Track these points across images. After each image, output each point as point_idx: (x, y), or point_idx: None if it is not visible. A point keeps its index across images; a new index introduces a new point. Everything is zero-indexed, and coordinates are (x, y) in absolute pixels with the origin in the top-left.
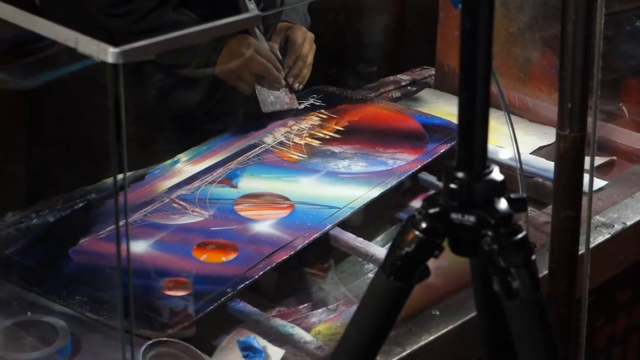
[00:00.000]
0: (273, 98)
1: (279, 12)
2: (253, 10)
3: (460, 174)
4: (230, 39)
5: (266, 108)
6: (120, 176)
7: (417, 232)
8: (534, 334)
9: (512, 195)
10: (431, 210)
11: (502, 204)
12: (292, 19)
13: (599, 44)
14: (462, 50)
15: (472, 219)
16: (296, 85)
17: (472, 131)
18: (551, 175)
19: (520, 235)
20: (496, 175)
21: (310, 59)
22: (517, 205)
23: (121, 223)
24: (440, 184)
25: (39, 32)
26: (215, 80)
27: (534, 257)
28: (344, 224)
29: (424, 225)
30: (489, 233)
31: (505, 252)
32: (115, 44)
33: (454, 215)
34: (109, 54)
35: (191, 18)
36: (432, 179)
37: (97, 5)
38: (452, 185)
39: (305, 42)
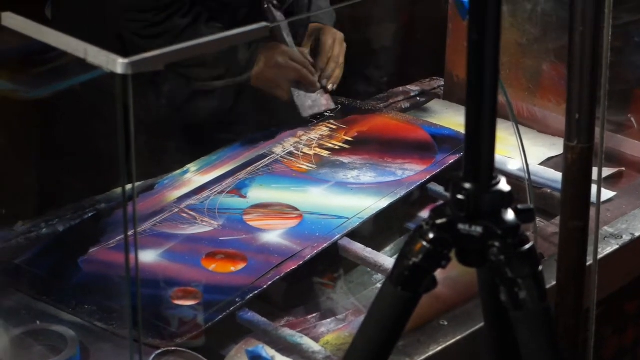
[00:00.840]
0: (310, 102)
1: (307, 16)
2: (280, 18)
3: (467, 185)
4: (263, 49)
5: (305, 112)
6: (129, 186)
7: (424, 243)
8: (541, 344)
9: (520, 206)
10: (438, 221)
11: (510, 215)
12: (322, 19)
13: (606, 55)
14: (469, 61)
15: (479, 229)
16: (330, 87)
17: (479, 142)
18: (559, 186)
19: (527, 246)
20: (503, 186)
21: (341, 59)
22: (524, 216)
23: (130, 233)
24: (449, 195)
25: (48, 43)
26: (226, 91)
27: (541, 267)
28: (353, 234)
29: (431, 235)
30: (496, 244)
31: (513, 262)
32: (126, 54)
33: (461, 226)
34: (118, 64)
35: (222, 31)
36: (441, 189)
37: (132, 28)
38: (460, 196)
39: (336, 42)
